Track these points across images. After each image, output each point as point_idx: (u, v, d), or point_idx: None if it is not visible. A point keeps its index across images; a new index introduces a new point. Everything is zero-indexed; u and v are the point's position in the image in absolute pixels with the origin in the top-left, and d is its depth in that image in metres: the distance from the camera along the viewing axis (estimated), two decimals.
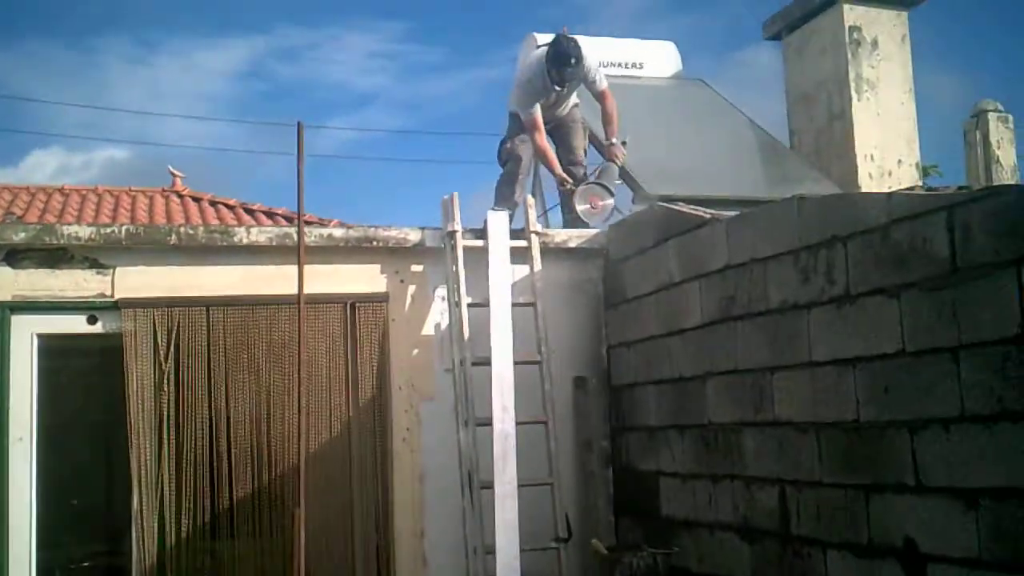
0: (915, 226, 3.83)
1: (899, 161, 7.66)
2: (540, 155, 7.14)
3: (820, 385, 4.37)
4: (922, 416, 3.77)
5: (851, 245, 4.19)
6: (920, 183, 7.55)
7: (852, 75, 7.69)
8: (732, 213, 5.23)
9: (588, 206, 6.81)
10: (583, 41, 7.95)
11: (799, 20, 8.19)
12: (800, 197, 4.61)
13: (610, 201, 6.85)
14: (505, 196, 7.13)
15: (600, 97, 7.14)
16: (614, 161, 7.02)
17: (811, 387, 4.43)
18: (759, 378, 4.78)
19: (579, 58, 6.86)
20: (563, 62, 6.83)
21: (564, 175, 7.03)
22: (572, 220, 6.97)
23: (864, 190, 7.22)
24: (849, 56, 7.72)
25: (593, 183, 6.94)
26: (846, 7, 7.78)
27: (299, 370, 5.62)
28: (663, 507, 5.72)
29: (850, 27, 7.76)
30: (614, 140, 7.07)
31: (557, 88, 6.98)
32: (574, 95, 7.27)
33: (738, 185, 6.79)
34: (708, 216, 5.35)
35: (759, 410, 4.78)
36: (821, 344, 4.37)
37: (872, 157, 7.60)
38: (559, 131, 7.32)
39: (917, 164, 7.77)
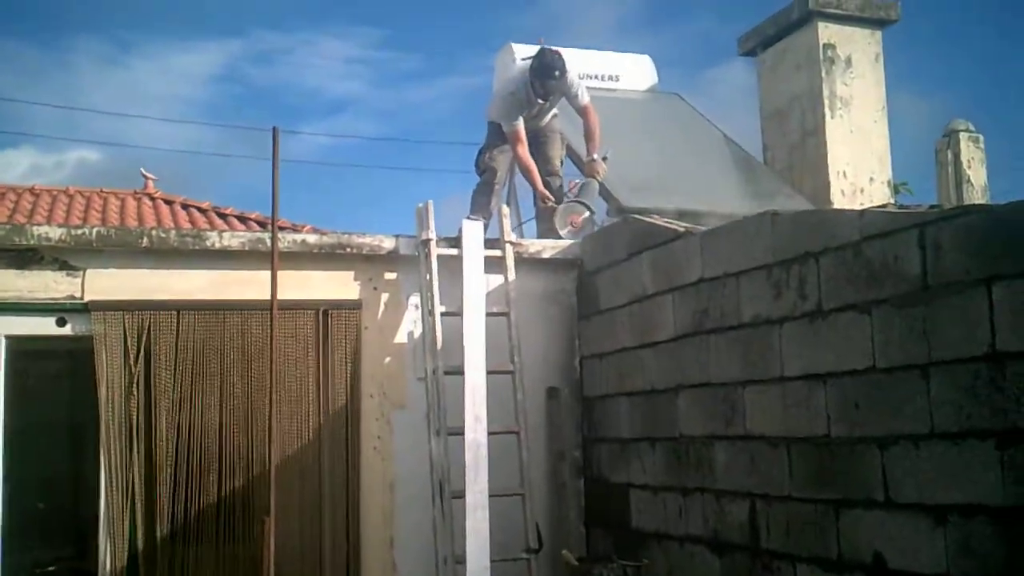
0: (887, 243, 3.87)
1: (871, 178, 7.73)
2: (523, 169, 7.16)
3: (791, 400, 4.40)
4: (892, 432, 3.81)
5: (823, 261, 4.22)
6: (892, 201, 7.63)
7: (826, 92, 7.75)
8: (706, 227, 5.26)
9: (569, 227, 6.80)
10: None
11: (774, 37, 8.25)
12: (773, 212, 4.65)
13: (587, 214, 6.86)
14: (481, 205, 7.13)
15: (583, 112, 7.16)
16: (594, 177, 7.04)
17: (782, 402, 4.45)
18: (731, 392, 4.81)
19: (563, 71, 6.89)
20: (547, 74, 6.86)
21: (545, 191, 7.04)
22: (546, 232, 6.99)
23: (836, 206, 7.28)
24: (823, 73, 7.78)
25: (572, 201, 6.94)
26: (821, 25, 7.84)
27: (271, 377, 5.58)
28: (634, 519, 5.73)
29: (824, 45, 7.82)
30: (595, 156, 7.07)
31: (541, 101, 7.00)
32: (581, 97, 7.25)
33: (712, 199, 6.82)
34: (682, 229, 5.38)
35: (730, 424, 4.80)
36: (793, 359, 4.40)
37: (844, 174, 7.67)
38: (536, 141, 7.34)
39: (889, 182, 7.84)
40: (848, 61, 7.84)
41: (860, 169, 7.72)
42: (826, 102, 7.74)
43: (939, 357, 3.60)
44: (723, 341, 4.88)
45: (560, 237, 6.78)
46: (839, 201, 7.51)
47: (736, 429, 4.76)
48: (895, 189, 8.10)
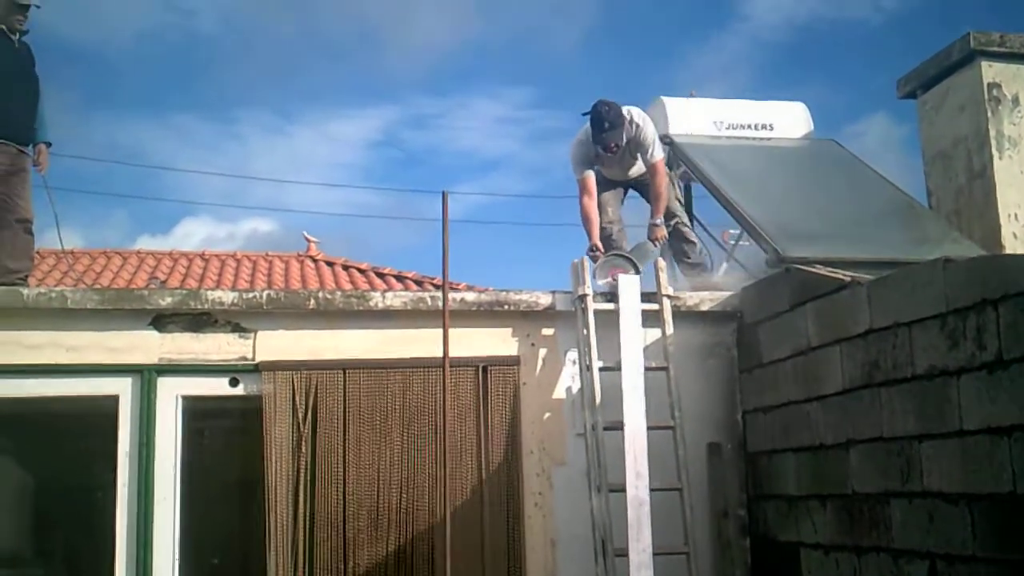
0: None
1: None
2: (582, 218, 7.12)
3: (972, 455, 4.19)
4: None
5: (1003, 309, 4.03)
6: None
7: (992, 133, 7.43)
8: (872, 276, 5.10)
9: (609, 279, 6.51)
10: (704, 104, 7.98)
11: (935, 78, 7.99)
12: (946, 259, 4.47)
13: (631, 271, 6.61)
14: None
15: (651, 169, 7.12)
16: (654, 242, 6.95)
17: (962, 457, 4.25)
18: (906, 446, 4.62)
19: (614, 124, 6.84)
20: (596, 126, 6.86)
21: (598, 243, 6.99)
22: (700, 284, 6.93)
23: (1008, 251, 6.97)
24: (989, 113, 7.48)
25: (615, 254, 6.73)
26: (984, 64, 7.55)
27: (445, 435, 5.68)
28: None
29: (988, 84, 7.53)
30: (658, 220, 7.02)
31: (606, 152, 6.96)
32: (653, 155, 7.16)
33: (875, 246, 6.60)
34: (847, 279, 5.24)
35: (907, 480, 4.61)
36: (972, 412, 4.20)
37: (1016, 216, 7.32)
38: (641, 189, 7.39)
39: None
40: (1015, 100, 7.51)
41: None
42: (993, 143, 7.42)
43: None
44: (896, 394, 4.70)
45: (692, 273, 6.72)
46: (1011, 246, 7.17)
47: (913, 485, 4.56)
48: None
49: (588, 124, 7.05)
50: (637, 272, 6.52)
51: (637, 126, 7.05)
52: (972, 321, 4.20)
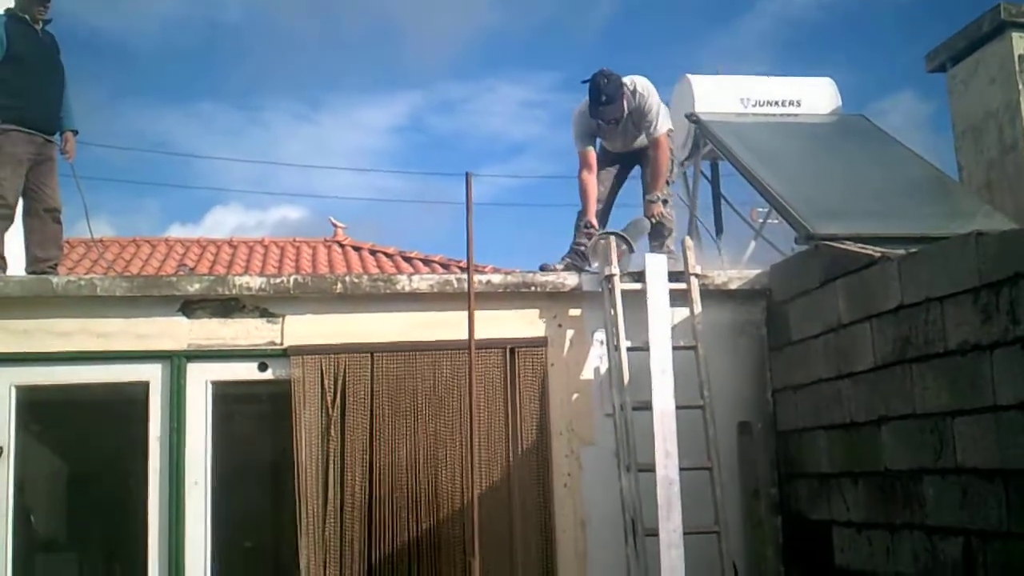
0: None
1: None
2: (580, 192, 7.01)
3: (1006, 430, 4.14)
4: None
5: None
6: None
7: None
8: (903, 251, 5.05)
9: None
10: (730, 81, 7.90)
11: (964, 51, 7.89)
12: (978, 233, 4.41)
13: (624, 248, 6.48)
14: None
15: (653, 143, 6.97)
16: (650, 218, 6.85)
17: (996, 432, 4.20)
18: (939, 423, 4.57)
19: (612, 97, 6.71)
20: (593, 99, 6.75)
21: (593, 220, 6.87)
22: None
23: None
24: (1020, 85, 7.38)
25: (608, 232, 6.59)
26: (1015, 35, 7.45)
27: (473, 417, 5.67)
28: (836, 557, 5.50)
29: (1020, 55, 7.43)
30: (656, 196, 6.89)
31: (604, 123, 6.86)
32: (656, 128, 7.04)
33: (906, 222, 6.53)
34: (878, 255, 5.18)
35: (940, 456, 4.56)
36: (1006, 387, 4.14)
37: None
38: (643, 161, 7.23)
39: None
40: None
41: None
42: None
43: None
44: (928, 370, 4.65)
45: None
46: None
47: (946, 462, 4.51)
48: None
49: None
50: (631, 250, 6.46)
51: (641, 96, 6.89)
52: (1005, 295, 4.14)
